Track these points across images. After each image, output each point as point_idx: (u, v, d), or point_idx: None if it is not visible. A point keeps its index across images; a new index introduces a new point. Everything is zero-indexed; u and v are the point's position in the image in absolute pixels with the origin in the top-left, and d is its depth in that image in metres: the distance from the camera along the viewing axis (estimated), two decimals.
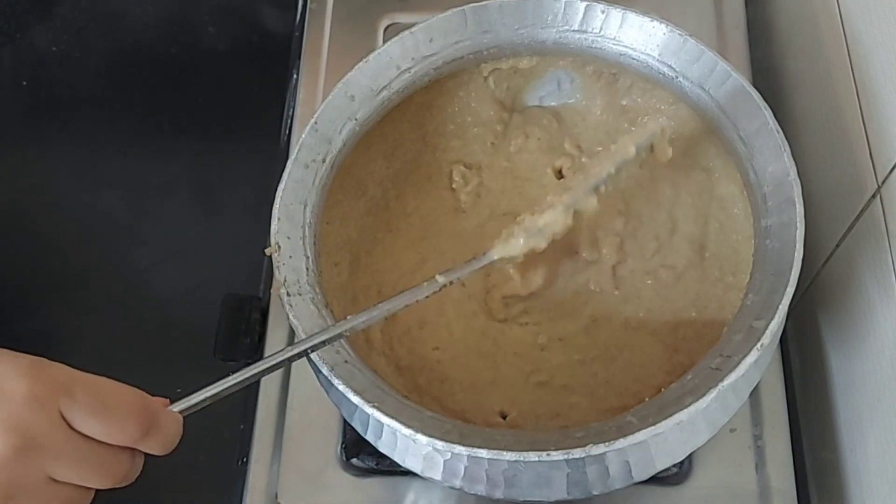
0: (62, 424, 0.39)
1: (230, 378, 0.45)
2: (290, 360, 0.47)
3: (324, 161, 0.57)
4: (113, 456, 0.40)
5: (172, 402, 0.44)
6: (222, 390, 0.45)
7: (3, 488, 0.37)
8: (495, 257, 0.54)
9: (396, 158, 0.64)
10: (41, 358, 0.40)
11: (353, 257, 0.61)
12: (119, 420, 0.40)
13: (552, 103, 0.66)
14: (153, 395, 0.44)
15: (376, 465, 0.60)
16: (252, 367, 0.46)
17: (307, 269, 0.53)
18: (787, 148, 0.52)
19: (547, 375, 0.57)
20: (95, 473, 0.40)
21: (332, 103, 0.57)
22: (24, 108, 0.83)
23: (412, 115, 0.64)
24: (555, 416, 0.56)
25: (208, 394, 0.45)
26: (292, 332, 0.57)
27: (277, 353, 0.47)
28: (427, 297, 0.51)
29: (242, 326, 0.64)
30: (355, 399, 0.48)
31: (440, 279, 0.51)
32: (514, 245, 0.54)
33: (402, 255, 0.62)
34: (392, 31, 0.77)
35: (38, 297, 0.72)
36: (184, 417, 0.44)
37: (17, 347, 0.72)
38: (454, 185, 0.65)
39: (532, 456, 0.45)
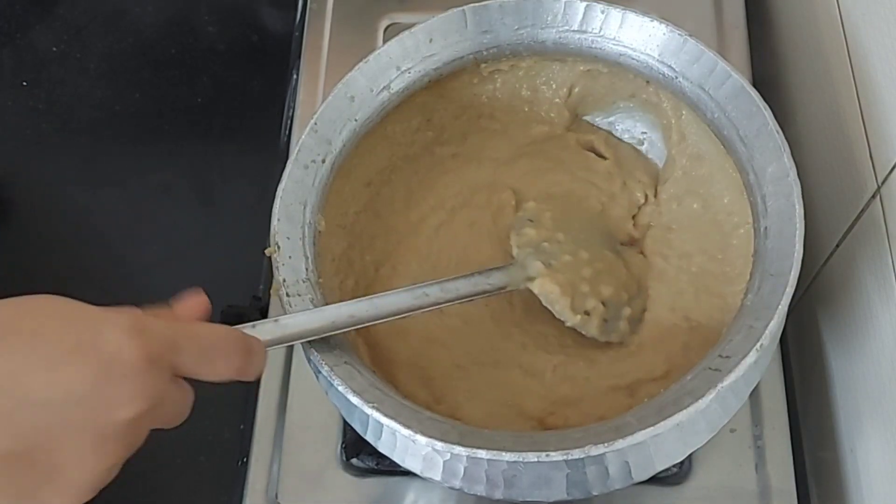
0: (175, 379, 0.40)
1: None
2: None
3: (323, 161, 0.57)
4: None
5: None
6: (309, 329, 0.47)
7: (128, 447, 0.39)
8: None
9: (397, 159, 0.64)
10: (133, 311, 0.41)
11: (354, 258, 0.61)
12: (223, 360, 0.42)
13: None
14: None
15: (376, 465, 0.60)
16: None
17: (307, 269, 0.53)
18: (787, 148, 0.52)
19: (537, 375, 0.57)
20: (181, 417, 0.42)
21: (331, 104, 0.57)
22: (24, 108, 0.83)
23: (412, 115, 0.64)
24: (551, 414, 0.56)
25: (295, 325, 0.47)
26: None
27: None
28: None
29: None
30: (355, 399, 0.48)
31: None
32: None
33: (403, 256, 0.62)
34: (392, 31, 0.77)
35: None
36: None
37: None
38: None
39: (531, 456, 0.45)
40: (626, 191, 0.63)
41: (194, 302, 0.46)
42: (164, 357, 0.39)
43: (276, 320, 0.47)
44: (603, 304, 0.56)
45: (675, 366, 0.56)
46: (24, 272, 0.65)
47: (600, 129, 0.66)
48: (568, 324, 0.55)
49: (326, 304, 0.52)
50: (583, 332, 0.55)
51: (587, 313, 0.55)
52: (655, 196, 0.64)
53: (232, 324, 0.64)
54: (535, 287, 0.54)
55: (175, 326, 0.41)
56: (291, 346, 0.65)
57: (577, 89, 0.64)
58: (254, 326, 0.46)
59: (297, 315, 0.48)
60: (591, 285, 0.55)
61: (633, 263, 0.60)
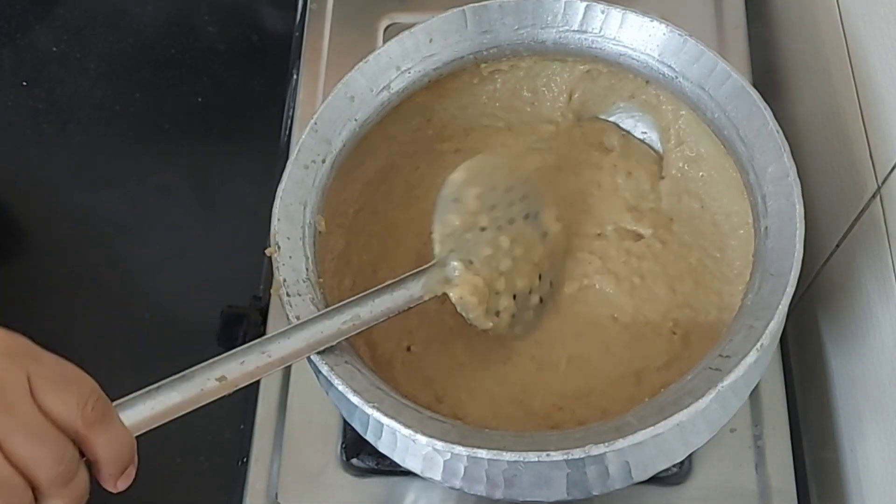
0: (28, 388, 0.38)
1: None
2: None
3: (323, 162, 0.57)
4: (65, 445, 0.38)
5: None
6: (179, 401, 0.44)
7: None
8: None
9: (397, 159, 0.64)
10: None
11: (352, 257, 0.61)
12: (79, 394, 0.39)
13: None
14: None
15: (376, 465, 0.60)
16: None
17: (307, 269, 0.53)
18: (787, 148, 0.52)
19: (540, 368, 0.57)
20: (45, 458, 0.38)
21: (331, 104, 0.58)
22: (24, 108, 0.83)
23: (412, 115, 0.63)
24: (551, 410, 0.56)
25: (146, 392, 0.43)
26: None
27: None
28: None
29: (239, 341, 0.64)
30: (355, 399, 0.48)
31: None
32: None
33: (403, 258, 0.62)
34: (392, 31, 0.77)
35: (37, 298, 0.72)
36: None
37: None
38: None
39: (532, 456, 0.45)
40: (633, 179, 0.63)
41: None
42: (21, 357, 0.38)
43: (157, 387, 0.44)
44: (514, 296, 0.55)
45: (677, 357, 0.56)
46: (25, 273, 0.65)
47: (606, 120, 0.66)
48: (479, 328, 0.54)
49: (327, 303, 0.53)
50: (489, 332, 0.55)
51: (497, 314, 0.55)
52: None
53: (232, 324, 0.64)
54: (454, 295, 0.53)
55: (40, 349, 0.40)
56: None
57: (577, 94, 0.64)
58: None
59: (190, 381, 0.45)
60: (507, 280, 0.55)
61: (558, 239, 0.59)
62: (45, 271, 0.63)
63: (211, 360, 0.46)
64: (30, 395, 0.38)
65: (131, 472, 0.42)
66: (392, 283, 0.51)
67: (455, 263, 0.53)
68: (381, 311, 0.50)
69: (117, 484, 0.41)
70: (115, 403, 0.42)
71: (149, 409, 0.43)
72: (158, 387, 0.44)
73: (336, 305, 0.50)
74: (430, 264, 0.53)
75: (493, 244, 0.55)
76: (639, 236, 0.61)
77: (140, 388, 0.69)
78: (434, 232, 0.55)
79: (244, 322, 0.65)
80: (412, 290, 0.52)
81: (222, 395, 0.45)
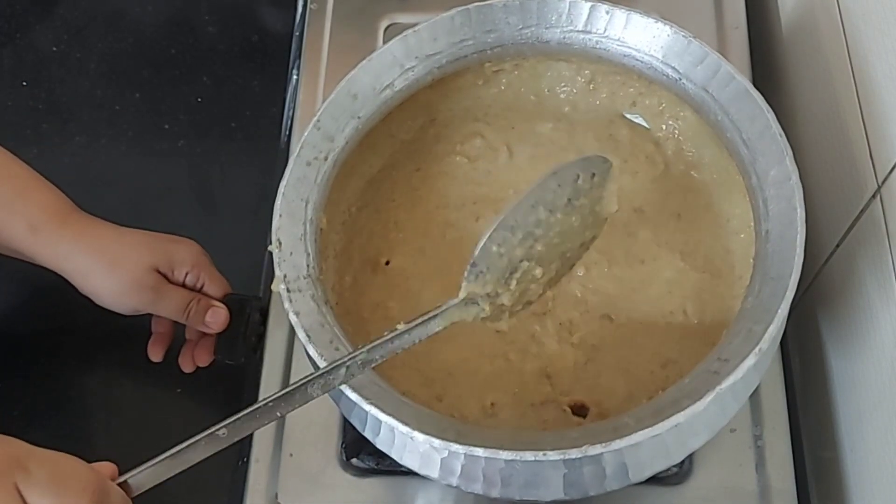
0: (18, 500, 0.40)
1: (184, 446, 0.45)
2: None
3: (326, 159, 0.57)
4: None
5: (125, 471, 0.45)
6: (175, 459, 0.45)
7: None
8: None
9: (399, 158, 0.64)
10: None
11: (353, 255, 0.61)
12: (72, 496, 0.41)
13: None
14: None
15: (376, 464, 0.60)
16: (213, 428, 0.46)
17: (308, 265, 0.53)
18: (790, 152, 0.52)
19: (541, 366, 0.57)
20: None
21: (334, 101, 0.57)
22: (24, 108, 0.82)
23: (415, 114, 0.63)
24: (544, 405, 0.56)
25: (156, 462, 0.45)
26: (293, 331, 0.57)
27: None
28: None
29: (242, 328, 0.64)
30: (353, 396, 0.48)
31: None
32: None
33: (405, 255, 0.62)
34: (392, 31, 0.77)
35: (37, 299, 0.72)
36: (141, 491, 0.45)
37: (17, 347, 0.73)
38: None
39: (528, 455, 0.45)
40: (638, 180, 0.63)
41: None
42: (8, 473, 0.40)
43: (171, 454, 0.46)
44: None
45: (672, 360, 0.56)
46: (24, 274, 0.65)
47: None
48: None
49: (327, 300, 0.53)
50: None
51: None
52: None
53: (234, 311, 0.64)
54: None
55: (30, 448, 0.41)
56: (292, 345, 0.66)
57: (580, 105, 0.64)
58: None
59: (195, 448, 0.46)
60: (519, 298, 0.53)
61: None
62: (45, 272, 0.63)
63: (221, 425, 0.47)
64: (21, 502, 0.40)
65: None
66: (412, 326, 0.49)
67: (482, 305, 0.51)
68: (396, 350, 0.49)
69: None
70: (122, 478, 0.45)
71: (154, 477, 0.46)
72: (168, 456, 0.46)
73: (356, 353, 0.48)
74: (454, 303, 0.50)
75: (526, 276, 0.52)
76: (641, 237, 0.61)
77: (138, 388, 0.69)
78: (468, 283, 0.50)
79: (246, 310, 0.65)
80: (430, 329, 0.50)
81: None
